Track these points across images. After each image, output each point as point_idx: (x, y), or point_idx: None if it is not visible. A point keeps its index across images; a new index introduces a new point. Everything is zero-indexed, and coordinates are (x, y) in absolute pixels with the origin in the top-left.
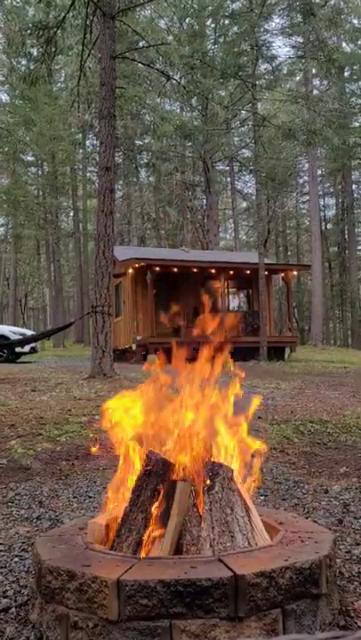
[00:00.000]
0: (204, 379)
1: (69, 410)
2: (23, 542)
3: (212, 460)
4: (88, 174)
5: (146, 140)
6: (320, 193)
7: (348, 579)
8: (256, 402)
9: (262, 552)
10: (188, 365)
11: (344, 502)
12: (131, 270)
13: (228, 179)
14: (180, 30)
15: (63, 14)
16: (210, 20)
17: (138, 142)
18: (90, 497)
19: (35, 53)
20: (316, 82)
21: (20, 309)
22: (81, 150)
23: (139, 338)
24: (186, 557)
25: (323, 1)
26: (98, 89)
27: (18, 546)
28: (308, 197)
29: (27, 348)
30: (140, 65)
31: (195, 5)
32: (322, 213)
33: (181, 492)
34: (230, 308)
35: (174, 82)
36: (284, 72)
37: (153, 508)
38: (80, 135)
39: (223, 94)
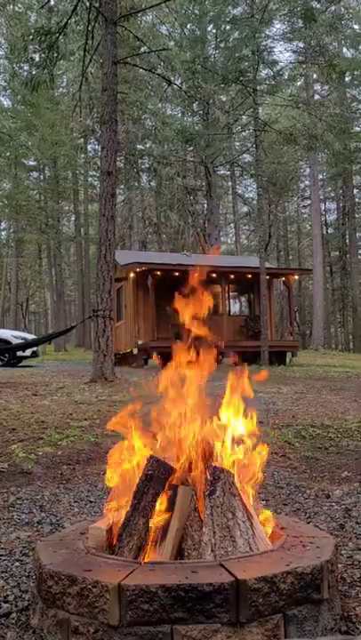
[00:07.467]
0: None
1: (71, 414)
2: (24, 547)
3: (213, 464)
4: (89, 179)
5: (147, 145)
6: (321, 197)
7: (350, 584)
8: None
9: (264, 557)
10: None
11: (346, 507)
12: (132, 274)
13: (230, 183)
14: (181, 36)
15: (65, 20)
16: (211, 25)
17: (139, 147)
18: (91, 501)
19: (37, 59)
20: (317, 87)
21: (22, 313)
22: (82, 155)
23: (140, 342)
24: (187, 562)
25: (324, 6)
26: (99, 94)
27: (19, 550)
28: (309, 202)
29: (28, 352)
30: (141, 70)
31: (196, 11)
32: (323, 218)
33: (183, 497)
34: (231, 313)
35: (175, 87)
36: (285, 77)
37: (154, 513)
38: (82, 140)
39: (224, 99)
